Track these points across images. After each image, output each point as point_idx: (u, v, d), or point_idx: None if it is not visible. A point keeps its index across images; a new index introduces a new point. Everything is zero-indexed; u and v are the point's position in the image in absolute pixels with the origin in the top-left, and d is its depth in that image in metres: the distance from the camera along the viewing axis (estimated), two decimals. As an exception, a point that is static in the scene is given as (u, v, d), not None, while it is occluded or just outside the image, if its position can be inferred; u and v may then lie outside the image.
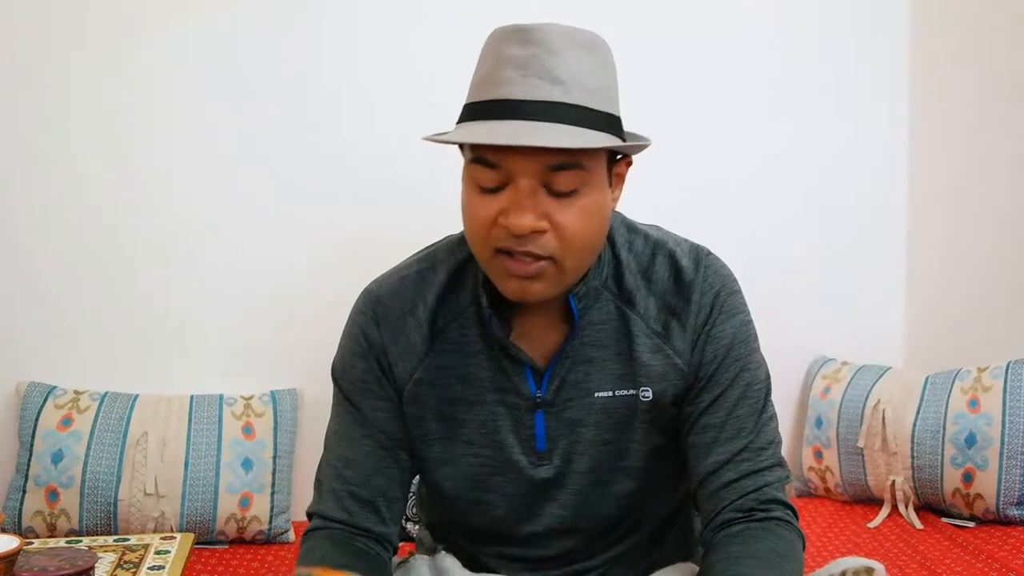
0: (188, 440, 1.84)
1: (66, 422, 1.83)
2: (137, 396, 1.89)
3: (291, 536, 1.89)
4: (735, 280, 1.09)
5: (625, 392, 1.06)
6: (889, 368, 2.08)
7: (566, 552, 1.12)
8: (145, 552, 1.56)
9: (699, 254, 1.09)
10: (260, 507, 1.85)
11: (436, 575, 1.12)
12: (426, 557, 1.16)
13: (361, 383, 1.10)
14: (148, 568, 1.49)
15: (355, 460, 1.09)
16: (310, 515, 1.10)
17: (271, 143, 2.01)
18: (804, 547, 1.03)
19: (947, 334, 2.18)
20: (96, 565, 1.23)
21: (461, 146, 1.01)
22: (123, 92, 1.96)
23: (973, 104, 2.12)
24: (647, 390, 1.06)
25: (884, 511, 1.92)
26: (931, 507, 1.92)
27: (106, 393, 1.89)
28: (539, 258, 0.95)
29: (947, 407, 1.89)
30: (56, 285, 1.95)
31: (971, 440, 1.85)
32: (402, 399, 1.09)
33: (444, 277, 1.09)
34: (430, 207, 2.05)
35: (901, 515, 1.90)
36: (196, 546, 1.75)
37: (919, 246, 2.26)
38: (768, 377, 1.09)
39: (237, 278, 2.01)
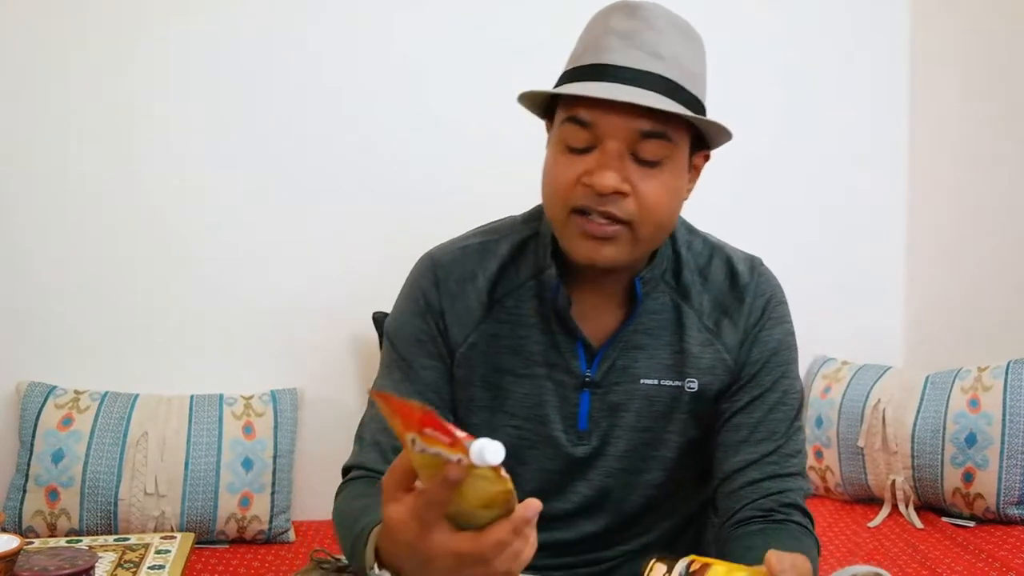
0: (188, 440, 1.83)
1: (66, 422, 1.83)
2: (137, 396, 1.89)
3: (291, 536, 1.89)
4: (783, 292, 1.13)
5: (670, 382, 1.07)
6: (889, 368, 2.08)
7: (586, 538, 1.13)
8: (145, 552, 1.56)
9: (754, 262, 1.13)
10: (260, 507, 1.84)
11: None
12: None
13: (416, 341, 1.10)
14: (148, 568, 1.48)
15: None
16: (348, 468, 1.09)
17: (272, 143, 2.01)
18: (818, 555, 1.04)
19: (947, 333, 2.18)
20: (96, 565, 1.23)
21: (551, 113, 1.03)
22: (123, 92, 1.96)
23: (973, 104, 2.12)
24: (693, 381, 1.07)
25: (884, 511, 1.92)
26: (931, 506, 1.92)
27: (106, 393, 1.89)
28: (616, 221, 0.97)
29: (947, 407, 1.89)
30: (57, 285, 1.95)
31: (971, 439, 1.84)
32: (453, 361, 1.10)
33: (506, 250, 1.11)
34: (432, 207, 2.06)
35: (901, 515, 1.90)
36: (196, 546, 1.75)
37: (919, 245, 2.26)
38: (803, 391, 1.12)
39: (237, 278, 2.01)
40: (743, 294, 1.09)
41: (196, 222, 2.00)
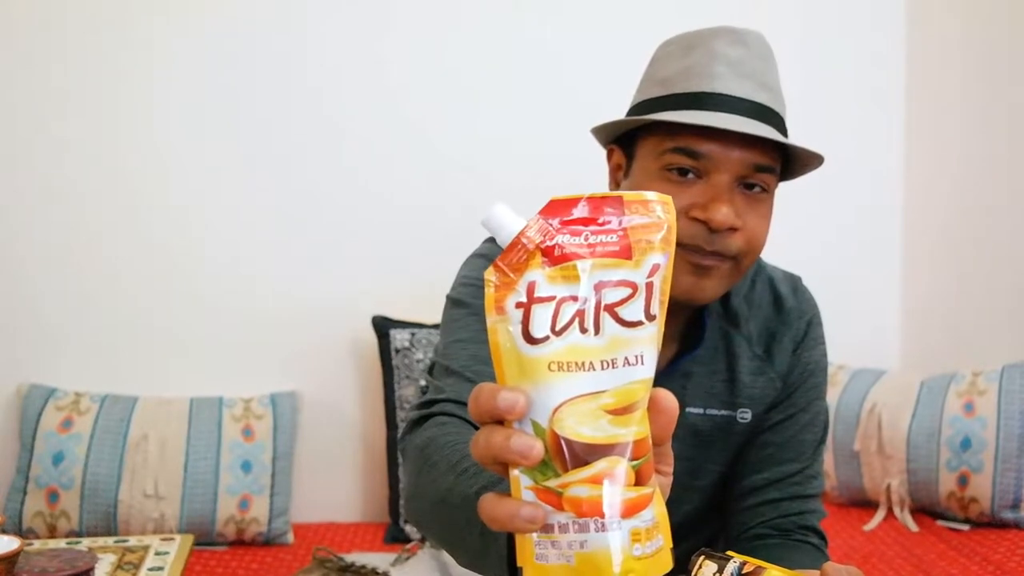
0: (188, 442, 1.83)
1: (67, 424, 1.82)
2: (137, 398, 1.89)
3: (290, 538, 1.88)
4: (819, 309, 1.11)
5: (717, 411, 1.05)
6: (885, 372, 2.08)
7: None
8: (145, 553, 1.55)
9: (795, 281, 1.11)
10: (259, 509, 1.84)
11: (441, 569, 1.11)
12: (432, 550, 1.15)
13: None
14: (148, 569, 1.48)
15: (490, 358, 1.01)
16: (428, 403, 0.91)
17: (274, 146, 2.01)
18: None
19: (942, 338, 2.18)
20: (96, 566, 1.23)
21: (626, 139, 0.99)
22: (123, 96, 1.96)
23: (969, 107, 2.12)
24: (746, 412, 1.05)
25: (880, 514, 1.91)
26: (926, 510, 1.91)
27: (106, 395, 1.89)
28: (725, 258, 0.94)
29: (942, 411, 1.89)
30: (57, 288, 1.95)
31: (966, 444, 1.84)
32: None
33: None
34: (427, 212, 2.06)
35: (896, 518, 1.90)
36: (195, 547, 1.74)
37: (914, 249, 2.26)
38: (828, 414, 1.10)
39: (237, 281, 2.01)
40: (788, 317, 1.07)
41: (197, 225, 1.99)
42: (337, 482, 2.06)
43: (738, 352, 1.05)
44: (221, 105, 1.99)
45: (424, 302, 1.86)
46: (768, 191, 0.95)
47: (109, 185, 1.96)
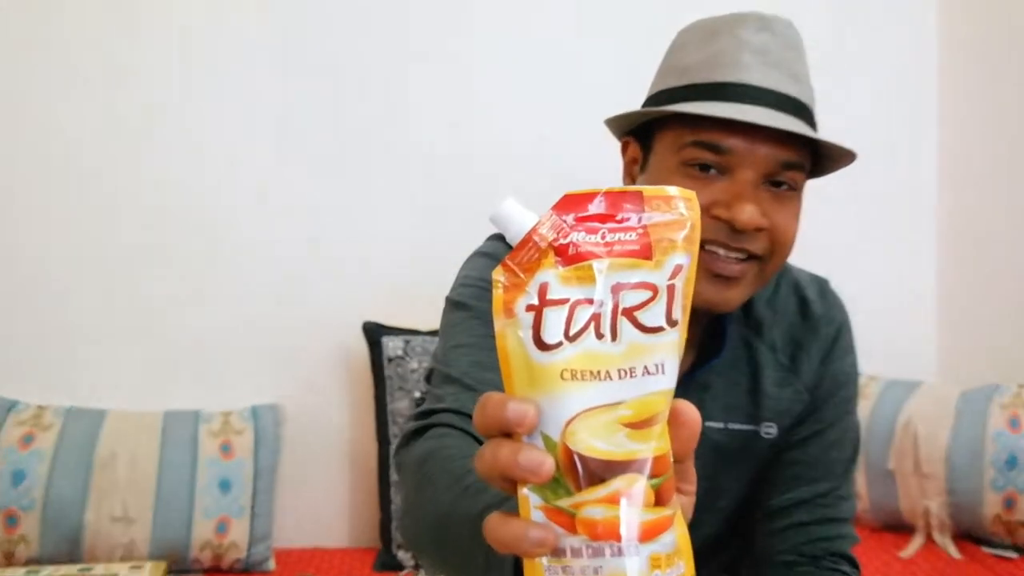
0: (160, 460, 1.82)
1: (27, 440, 1.81)
2: (105, 412, 1.88)
3: (271, 565, 1.87)
4: (849, 316, 1.11)
5: (739, 426, 1.04)
6: (921, 383, 2.07)
7: None
8: (113, 582, 1.54)
9: (822, 285, 1.11)
10: (238, 533, 1.83)
11: None
12: None
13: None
14: (116, 599, 1.47)
15: (493, 365, 1.00)
16: (426, 413, 0.90)
17: (254, 149, 2.01)
18: None
19: (984, 346, 2.17)
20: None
21: (643, 132, 0.99)
22: (85, 96, 1.95)
23: (1005, 109, 2.12)
24: (771, 426, 1.04)
25: (917, 540, 1.90)
26: (970, 535, 1.91)
27: (71, 408, 1.88)
28: (750, 257, 0.94)
29: (985, 425, 1.88)
30: (18, 293, 1.95)
31: (1012, 461, 1.83)
32: None
33: None
34: (424, 209, 2.05)
35: (936, 544, 1.89)
36: (168, 575, 1.73)
37: (952, 250, 2.25)
38: (859, 429, 1.10)
39: (214, 284, 2.01)
40: (816, 324, 1.06)
41: (168, 224, 1.99)
42: (324, 503, 2.06)
43: (761, 362, 1.04)
44: (201, 100, 1.99)
45: (420, 306, 1.85)
46: (796, 189, 0.95)
47: (78, 191, 1.96)
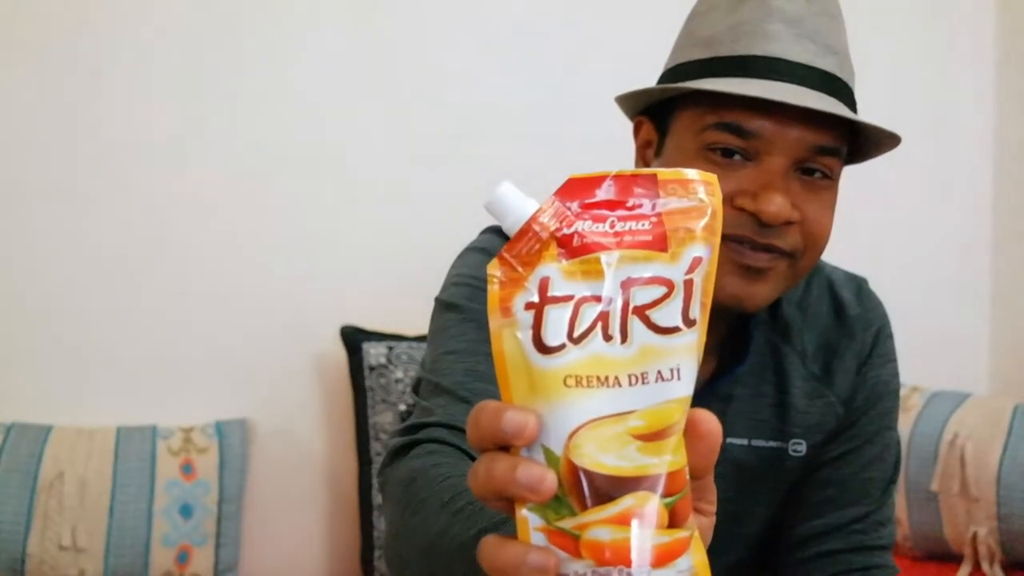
0: (114, 481, 1.82)
1: (-36, 459, 1.81)
2: (51, 428, 1.88)
3: (239, 599, 1.87)
4: (889, 319, 1.11)
5: (764, 443, 1.04)
6: (969, 395, 2.08)
7: None
8: (59, 619, 1.54)
9: (859, 284, 1.11)
10: (202, 563, 1.83)
11: None
12: None
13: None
14: (63, 639, 1.46)
15: (489, 374, 0.96)
16: (414, 427, 0.90)
17: (224, 144, 2.02)
18: None
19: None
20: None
21: (659, 112, 0.98)
22: (56, 109, 1.96)
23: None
24: (800, 443, 1.04)
25: (964, 570, 1.91)
26: (1022, 565, 1.91)
27: (12, 424, 1.88)
28: (778, 254, 0.93)
29: (1041, 442, 1.89)
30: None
31: (1071, 483, 1.84)
32: None
33: None
34: (408, 199, 2.06)
35: (985, 575, 1.89)
36: (123, 612, 1.74)
37: (1009, 244, 2.25)
38: (900, 446, 1.10)
39: (172, 285, 2.01)
40: (852, 328, 1.06)
41: (124, 221, 1.99)
42: (297, 530, 2.06)
43: (790, 370, 1.05)
44: (169, 102, 2.00)
45: (404, 309, 1.85)
46: (831, 177, 0.94)
47: (31, 192, 1.96)
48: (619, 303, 0.47)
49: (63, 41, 1.97)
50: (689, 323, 0.47)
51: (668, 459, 0.47)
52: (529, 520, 0.47)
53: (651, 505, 0.46)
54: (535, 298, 0.47)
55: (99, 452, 1.85)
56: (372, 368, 1.96)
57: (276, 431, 2.04)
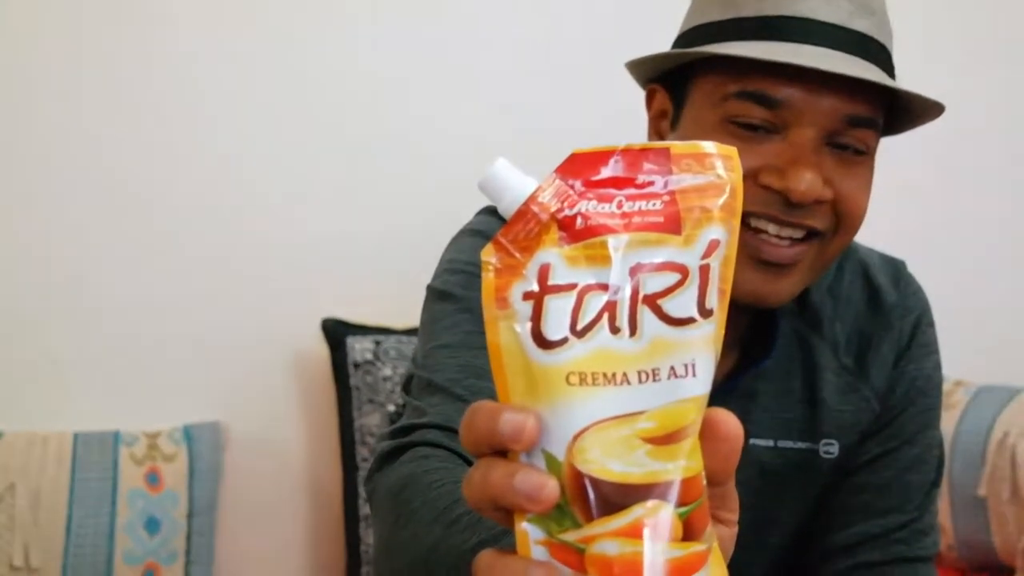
0: (71, 493, 1.83)
1: (-95, 469, 1.82)
2: (0, 434, 1.88)
3: (212, 622, 1.89)
4: (930, 306, 1.11)
5: (792, 444, 1.05)
6: (1021, 390, 2.08)
7: None
8: (14, 645, 1.55)
9: (897, 268, 1.12)
10: (170, 583, 1.84)
11: None
12: None
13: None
14: (18, 667, 1.48)
15: (487, 370, 0.99)
16: (405, 429, 0.91)
17: (188, 145, 2.04)
18: None
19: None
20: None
21: (675, 80, 0.98)
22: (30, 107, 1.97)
23: None
24: (832, 444, 1.05)
25: (1015, 583, 1.92)
26: (1079, 577, 1.93)
27: (-41, 430, 1.88)
28: (808, 236, 0.94)
29: (1100, 442, 1.90)
30: None
31: None
32: None
33: None
34: (396, 180, 2.06)
35: (1038, 588, 1.91)
36: (83, 636, 1.75)
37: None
38: (943, 447, 1.10)
39: (134, 273, 2.01)
40: (889, 316, 1.07)
41: (83, 201, 2.00)
42: (276, 545, 2.07)
43: (821, 363, 1.05)
44: (148, 93, 2.01)
45: (393, 298, 1.85)
46: (867, 152, 0.95)
47: None
48: (627, 292, 0.47)
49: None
50: (705, 313, 0.47)
51: (682, 464, 0.47)
52: (529, 533, 0.47)
53: (663, 515, 0.46)
54: (534, 287, 0.47)
55: (54, 460, 1.85)
56: (357, 365, 1.97)
57: (251, 435, 2.04)
